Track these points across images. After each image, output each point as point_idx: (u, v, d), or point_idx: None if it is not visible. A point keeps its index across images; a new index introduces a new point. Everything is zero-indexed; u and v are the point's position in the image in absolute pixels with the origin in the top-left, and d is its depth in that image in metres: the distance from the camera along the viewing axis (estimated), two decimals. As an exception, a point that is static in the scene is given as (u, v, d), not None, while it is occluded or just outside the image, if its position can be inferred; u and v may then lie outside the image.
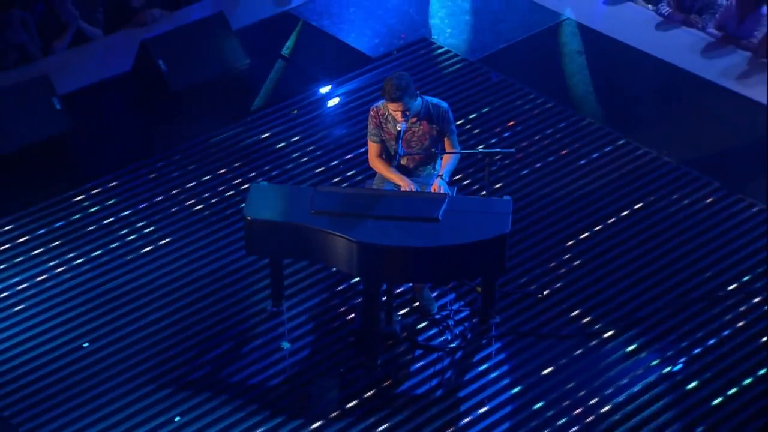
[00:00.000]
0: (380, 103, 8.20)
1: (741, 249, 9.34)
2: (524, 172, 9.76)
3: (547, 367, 8.30)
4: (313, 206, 8.01)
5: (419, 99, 8.14)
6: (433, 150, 8.45)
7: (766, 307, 8.70)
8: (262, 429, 7.68)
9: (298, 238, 8.13)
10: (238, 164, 10.12)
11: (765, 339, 8.34)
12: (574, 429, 7.57)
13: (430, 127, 8.17)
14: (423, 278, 8.59)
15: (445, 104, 8.30)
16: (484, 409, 7.95)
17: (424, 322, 8.83)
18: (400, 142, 7.99)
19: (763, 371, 7.94)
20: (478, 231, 7.90)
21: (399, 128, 7.96)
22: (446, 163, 8.51)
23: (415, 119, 8.10)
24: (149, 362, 8.31)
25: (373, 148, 8.34)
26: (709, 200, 9.81)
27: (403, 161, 8.39)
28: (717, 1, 11.44)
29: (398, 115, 7.96)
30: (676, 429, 7.51)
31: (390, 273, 8.14)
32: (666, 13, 11.79)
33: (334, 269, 9.15)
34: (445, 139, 8.36)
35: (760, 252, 9.25)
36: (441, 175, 8.45)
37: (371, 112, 8.26)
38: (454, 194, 8.76)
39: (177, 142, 10.39)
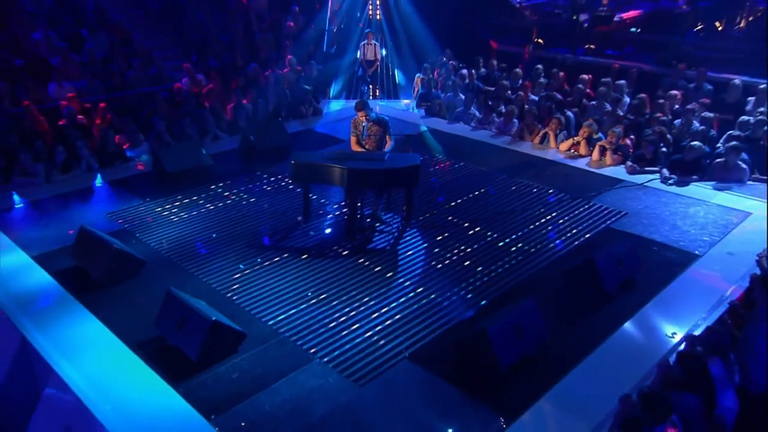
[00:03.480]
0: (355, 116, 7.33)
1: (529, 194, 8.51)
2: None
3: (440, 236, 7.50)
4: (324, 155, 7.48)
5: (374, 113, 7.61)
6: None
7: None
8: (299, 263, 6.86)
9: (317, 170, 7.44)
10: (286, 175, 8.98)
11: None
12: (457, 266, 6.83)
13: (378, 128, 7.60)
14: (378, 186, 7.72)
15: (387, 117, 7.76)
16: (410, 253, 7.16)
17: (378, 222, 7.87)
18: (364, 132, 7.17)
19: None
20: (404, 162, 7.40)
21: (362, 126, 7.12)
22: (387, 146, 7.79)
23: (371, 123, 7.51)
24: (244, 240, 7.43)
25: (352, 139, 7.90)
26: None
27: (366, 145, 7.60)
28: (495, 121, 10.64)
29: (362, 119, 7.14)
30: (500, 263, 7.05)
31: (362, 184, 7.41)
32: (473, 126, 11.03)
33: (336, 204, 8.37)
34: (387, 135, 7.54)
35: (535, 192, 8.52)
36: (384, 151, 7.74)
37: (352, 121, 7.66)
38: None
39: (260, 169, 9.55)
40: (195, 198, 8.53)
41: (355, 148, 7.76)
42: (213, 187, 8.90)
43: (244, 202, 8.47)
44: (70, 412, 4.89)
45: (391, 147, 7.76)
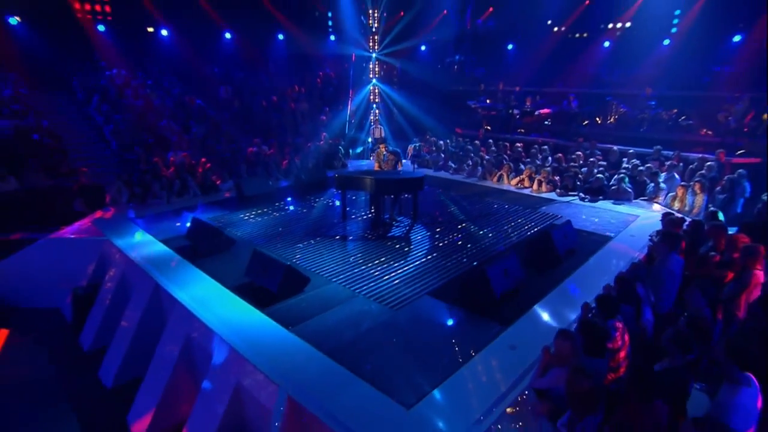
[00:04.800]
0: (377, 149, 7.34)
1: (495, 206, 8.29)
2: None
3: (438, 228, 7.27)
4: (357, 172, 7.40)
5: (391, 147, 7.41)
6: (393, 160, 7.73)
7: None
8: (341, 244, 6.66)
9: (353, 181, 7.31)
10: (326, 198, 8.82)
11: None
12: (453, 244, 6.65)
13: (393, 156, 7.68)
14: (394, 191, 7.41)
15: (399, 150, 7.52)
16: (417, 237, 6.93)
17: (394, 221, 7.62)
18: (384, 158, 7.21)
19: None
20: (413, 175, 7.37)
21: (383, 155, 7.10)
22: (400, 167, 7.87)
23: (389, 153, 7.59)
24: (300, 232, 7.13)
25: (375, 164, 7.77)
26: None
27: (384, 167, 7.54)
28: (465, 169, 10.59)
29: (383, 150, 7.25)
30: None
31: (384, 189, 7.20)
32: (451, 172, 10.65)
33: (365, 212, 8.02)
34: (399, 161, 7.54)
35: (498, 206, 8.26)
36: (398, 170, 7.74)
37: (376, 152, 7.58)
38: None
39: (307, 195, 9.23)
40: (265, 210, 8.31)
41: (377, 169, 7.72)
42: (276, 203, 8.72)
43: (299, 212, 8.26)
44: (189, 325, 4.56)
45: (403, 169, 7.70)
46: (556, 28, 17.07)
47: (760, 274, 4.49)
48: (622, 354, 3.85)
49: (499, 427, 3.19)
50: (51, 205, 8.07)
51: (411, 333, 4.36)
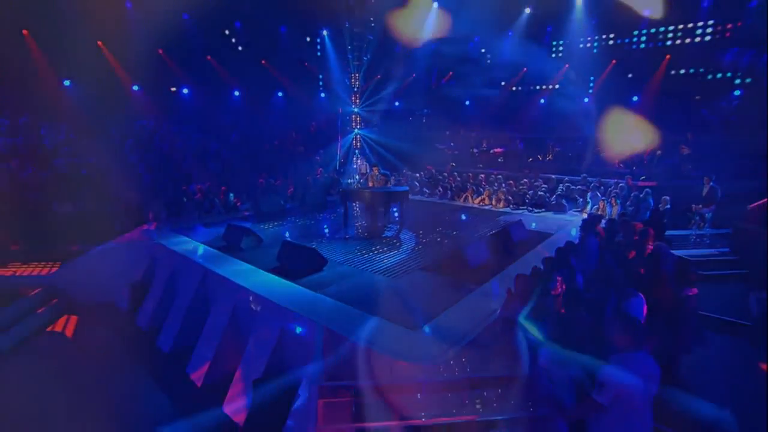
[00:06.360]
0: (371, 172, 8.03)
1: (462, 217, 9.06)
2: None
3: (421, 231, 7.96)
4: (357, 188, 7.85)
5: (382, 170, 8.07)
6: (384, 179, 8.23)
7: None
8: (345, 242, 7.19)
9: (354, 194, 7.96)
10: (327, 213, 9.40)
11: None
12: (433, 241, 7.35)
13: (384, 177, 8.19)
14: (388, 201, 7.87)
15: (389, 172, 8.23)
16: (405, 237, 7.60)
17: (386, 226, 8.18)
18: (377, 178, 7.83)
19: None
20: (400, 189, 8.03)
21: (376, 176, 7.83)
22: (389, 185, 8.25)
23: (381, 174, 8.05)
24: (312, 235, 7.70)
25: (369, 183, 8.21)
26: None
27: (377, 185, 8.13)
28: (437, 193, 11.26)
29: (376, 172, 7.90)
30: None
31: (378, 200, 7.72)
32: (426, 195, 11.30)
33: (361, 221, 8.54)
34: (388, 181, 8.18)
35: (466, 217, 9.01)
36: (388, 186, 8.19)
37: (370, 174, 8.13)
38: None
39: (312, 211, 9.70)
40: (280, 222, 8.87)
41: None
42: (288, 218, 9.27)
43: (308, 223, 8.83)
44: (236, 294, 5.10)
45: (392, 185, 8.50)
46: (503, 85, 19.17)
47: (650, 248, 5.63)
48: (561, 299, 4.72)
49: (481, 337, 3.95)
50: (96, 223, 8.56)
51: (410, 291, 5.07)
